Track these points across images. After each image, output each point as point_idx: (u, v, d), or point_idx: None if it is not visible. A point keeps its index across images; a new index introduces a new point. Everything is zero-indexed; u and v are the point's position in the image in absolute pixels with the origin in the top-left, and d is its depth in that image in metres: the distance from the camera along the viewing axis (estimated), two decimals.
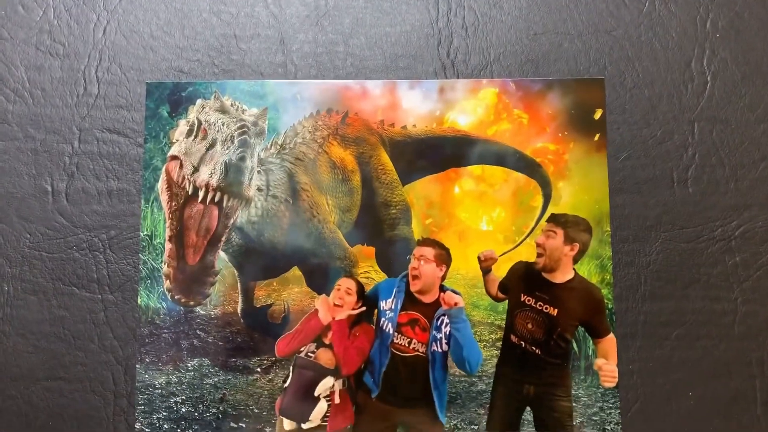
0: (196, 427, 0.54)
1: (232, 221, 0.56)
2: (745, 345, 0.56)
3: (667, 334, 0.56)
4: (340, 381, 0.56)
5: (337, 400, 0.55)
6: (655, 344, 0.56)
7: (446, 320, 0.56)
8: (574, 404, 0.55)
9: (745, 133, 0.58)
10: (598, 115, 0.58)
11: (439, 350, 0.56)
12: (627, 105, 0.58)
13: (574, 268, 0.56)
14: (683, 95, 0.58)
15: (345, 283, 0.56)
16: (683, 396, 0.55)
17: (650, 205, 0.57)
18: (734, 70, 0.59)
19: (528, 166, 0.58)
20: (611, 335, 0.56)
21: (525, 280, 0.57)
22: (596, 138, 0.58)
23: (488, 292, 0.57)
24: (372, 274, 0.57)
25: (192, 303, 0.56)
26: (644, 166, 0.58)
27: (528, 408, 0.55)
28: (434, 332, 0.56)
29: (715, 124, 0.58)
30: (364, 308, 0.56)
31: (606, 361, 0.55)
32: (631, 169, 0.58)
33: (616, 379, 0.55)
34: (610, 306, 0.56)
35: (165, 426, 0.54)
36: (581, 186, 0.57)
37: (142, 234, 0.56)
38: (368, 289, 0.57)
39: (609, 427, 0.54)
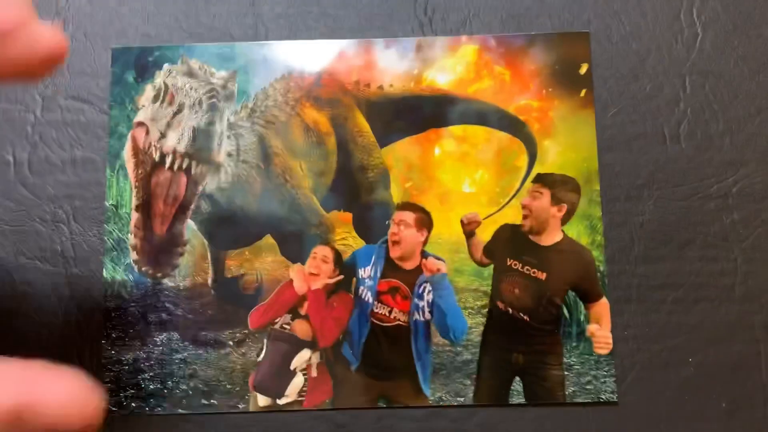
0: (165, 405, 0.51)
1: (201, 188, 0.54)
2: (747, 307, 0.52)
3: (663, 298, 0.53)
4: (318, 353, 0.52)
5: (314, 373, 0.52)
6: (650, 308, 0.52)
7: (428, 287, 0.53)
8: (566, 373, 0.52)
9: (740, 86, 0.55)
10: (583, 69, 0.55)
11: (422, 319, 0.53)
12: (614, 59, 0.56)
13: (562, 230, 0.54)
14: (673, 48, 0.56)
15: (321, 251, 0.54)
16: (683, 363, 0.52)
17: (641, 163, 0.54)
18: (726, 21, 0.56)
19: (511, 124, 0.55)
20: (604, 299, 0.52)
21: (511, 244, 0.54)
22: (582, 94, 0.55)
23: (472, 257, 0.54)
24: (349, 241, 0.54)
25: (160, 275, 0.53)
26: (634, 122, 0.55)
27: (517, 378, 0.52)
28: (416, 300, 0.53)
29: (707, 77, 0.55)
30: (341, 277, 0.54)
31: (599, 327, 0.52)
32: (620, 126, 0.55)
33: (611, 346, 0.52)
34: (601, 268, 0.53)
35: (133, 404, 0.51)
36: (568, 144, 0.54)
37: (107, 204, 0.54)
38: (346, 256, 0.54)
39: (604, 397, 0.51)
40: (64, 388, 0.27)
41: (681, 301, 0.53)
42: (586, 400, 0.51)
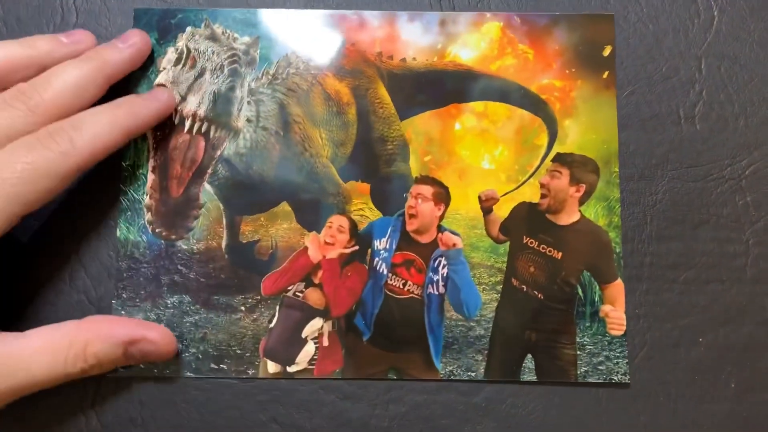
0: (174, 368, 0.50)
1: (219, 153, 0.53)
2: (758, 288, 0.53)
3: (674, 278, 0.53)
4: (330, 323, 0.52)
5: (325, 342, 0.52)
6: (662, 287, 0.53)
7: (444, 262, 0.53)
8: (578, 352, 0.52)
9: (755, 69, 0.56)
10: (607, 51, 0.55)
11: (436, 293, 0.53)
12: (630, 40, 0.56)
13: (579, 210, 0.54)
14: (689, 30, 0.56)
15: (337, 221, 0.53)
16: (693, 342, 0.52)
17: (656, 143, 0.55)
18: (742, 5, 0.57)
19: (533, 103, 0.55)
20: (619, 281, 0.53)
21: (528, 222, 0.54)
22: (605, 75, 0.55)
23: (489, 234, 0.54)
24: (366, 212, 0.54)
25: (174, 237, 0.52)
26: (649, 102, 0.55)
27: (529, 355, 0.52)
28: (431, 274, 0.53)
29: (723, 60, 0.56)
30: (356, 247, 0.53)
31: (613, 308, 0.52)
32: (635, 106, 0.55)
33: (624, 327, 0.52)
34: (618, 250, 0.53)
35: (141, 365, 0.50)
36: (588, 125, 0.55)
37: (124, 164, 0.53)
38: (362, 227, 0.54)
39: (616, 378, 0.51)
40: (157, 331, 0.47)
41: (692, 282, 0.53)
42: (598, 380, 0.51)
